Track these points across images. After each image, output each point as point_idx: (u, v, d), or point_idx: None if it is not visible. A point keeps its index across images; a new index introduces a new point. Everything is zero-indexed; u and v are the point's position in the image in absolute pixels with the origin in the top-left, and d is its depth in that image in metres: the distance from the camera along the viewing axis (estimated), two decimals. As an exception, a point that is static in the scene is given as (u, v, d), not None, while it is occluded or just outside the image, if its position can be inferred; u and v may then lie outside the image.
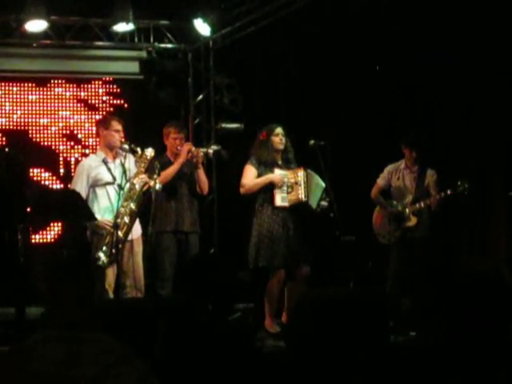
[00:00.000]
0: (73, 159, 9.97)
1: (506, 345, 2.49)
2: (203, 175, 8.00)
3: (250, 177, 7.69)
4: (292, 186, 7.62)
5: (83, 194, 7.41)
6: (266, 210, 7.64)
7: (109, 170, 7.46)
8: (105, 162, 7.49)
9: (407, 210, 8.20)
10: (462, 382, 2.43)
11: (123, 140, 7.48)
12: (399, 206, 8.24)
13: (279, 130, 7.72)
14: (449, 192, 7.99)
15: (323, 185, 7.74)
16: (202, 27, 9.46)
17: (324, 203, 7.76)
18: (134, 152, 7.42)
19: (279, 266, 7.61)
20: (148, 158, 7.39)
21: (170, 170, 7.87)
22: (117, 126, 7.54)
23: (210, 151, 7.92)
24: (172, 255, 7.94)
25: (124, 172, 7.31)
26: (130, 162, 7.41)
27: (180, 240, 8.00)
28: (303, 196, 7.62)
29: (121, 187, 7.30)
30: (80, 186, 7.46)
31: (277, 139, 7.67)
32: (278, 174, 7.66)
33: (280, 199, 7.60)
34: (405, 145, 8.32)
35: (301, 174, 7.67)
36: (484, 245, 9.15)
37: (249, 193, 7.71)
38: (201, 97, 10.38)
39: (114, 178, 7.38)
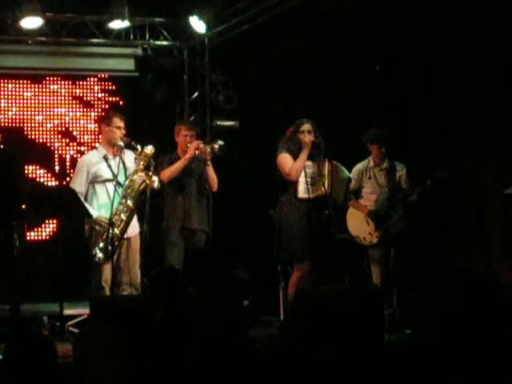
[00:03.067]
0: (68, 156, 9.98)
1: (499, 342, 2.50)
2: (212, 172, 7.92)
3: (291, 161, 7.50)
4: (316, 178, 7.51)
5: (82, 190, 7.43)
6: (288, 201, 7.52)
7: (109, 166, 7.49)
8: (105, 158, 7.51)
9: (384, 208, 8.10)
10: (458, 380, 2.43)
11: (123, 137, 7.48)
12: (375, 205, 8.15)
13: (305, 126, 7.51)
14: (428, 182, 7.91)
15: (349, 175, 7.68)
16: (198, 24, 9.47)
17: (352, 196, 7.68)
18: (134, 149, 7.44)
19: (302, 259, 7.45)
20: (148, 155, 7.41)
21: (176, 167, 7.84)
22: (118, 122, 7.56)
23: (216, 146, 7.84)
24: (179, 252, 7.91)
25: (124, 169, 7.33)
26: (128, 158, 7.44)
27: (186, 237, 7.97)
28: (326, 188, 7.44)
29: (120, 184, 7.32)
30: (79, 181, 7.49)
31: (302, 136, 7.54)
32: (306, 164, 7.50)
33: (303, 191, 7.44)
34: (371, 141, 8.18)
35: (326, 166, 7.51)
36: (480, 244, 9.15)
37: (299, 174, 7.44)
38: (196, 94, 10.38)
39: (114, 175, 7.39)
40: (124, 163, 7.37)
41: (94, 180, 7.49)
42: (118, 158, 7.44)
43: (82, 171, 7.54)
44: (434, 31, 8.81)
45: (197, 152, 7.81)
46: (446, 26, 8.69)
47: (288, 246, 7.47)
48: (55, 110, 10.02)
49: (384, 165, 8.18)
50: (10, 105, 9.85)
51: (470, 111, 8.85)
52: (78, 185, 7.45)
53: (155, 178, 7.35)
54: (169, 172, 7.81)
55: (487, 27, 8.41)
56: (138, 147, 7.42)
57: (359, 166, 8.25)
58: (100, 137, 8.07)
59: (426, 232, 8.99)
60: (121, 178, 7.37)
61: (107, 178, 7.47)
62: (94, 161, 7.56)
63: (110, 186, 7.42)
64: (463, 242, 9.33)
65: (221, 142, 7.92)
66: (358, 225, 8.18)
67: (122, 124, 7.57)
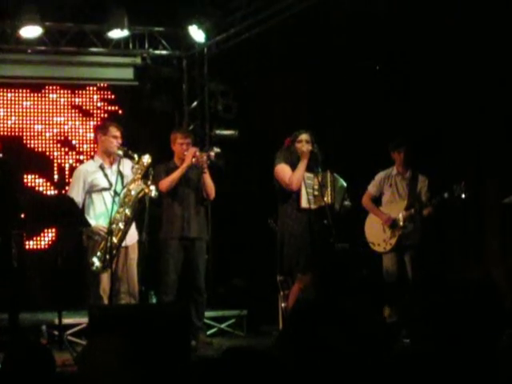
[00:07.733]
0: (67, 165, 9.97)
1: (497, 351, 2.50)
2: (209, 180, 7.90)
3: (289, 171, 7.45)
4: (318, 188, 7.45)
5: (79, 199, 7.43)
6: (289, 212, 7.47)
7: (105, 175, 7.48)
8: (102, 167, 7.52)
9: (402, 217, 8.17)
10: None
11: (120, 146, 7.48)
12: (393, 213, 8.22)
13: (303, 136, 7.48)
14: (446, 195, 7.97)
15: (345, 185, 7.67)
16: (197, 34, 9.49)
17: (347, 203, 7.69)
18: (131, 158, 7.43)
19: (304, 270, 7.40)
20: (145, 164, 7.40)
21: (175, 175, 7.81)
22: (115, 132, 7.56)
23: (212, 154, 7.82)
24: (177, 262, 7.86)
25: (121, 178, 7.32)
26: (125, 167, 7.43)
27: (186, 246, 7.93)
28: (330, 198, 7.43)
29: (116, 193, 7.31)
30: (76, 191, 7.48)
31: (299, 145, 7.48)
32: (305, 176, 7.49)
33: (306, 201, 7.40)
34: (392, 149, 8.31)
35: (328, 177, 7.49)
36: (478, 252, 9.14)
37: (300, 183, 7.40)
38: (195, 103, 10.39)
39: (111, 184, 7.40)
40: (121, 172, 7.37)
41: (91, 189, 7.49)
42: (114, 167, 7.45)
43: (78, 181, 7.54)
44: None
45: (193, 160, 7.79)
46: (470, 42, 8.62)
47: (291, 257, 7.42)
48: (54, 118, 10.03)
49: (407, 174, 8.28)
50: (9, 114, 9.86)
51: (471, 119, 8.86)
52: (75, 194, 7.44)
53: (153, 187, 7.33)
54: (167, 182, 7.79)
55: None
56: (135, 156, 7.42)
57: (382, 173, 8.43)
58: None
59: (425, 240, 8.98)
60: (118, 187, 7.37)
61: (104, 187, 7.47)
62: (91, 170, 7.56)
63: (107, 195, 7.42)
64: (460, 250, 9.32)
65: (217, 150, 7.90)
66: (375, 231, 8.33)
67: (118, 133, 7.56)
